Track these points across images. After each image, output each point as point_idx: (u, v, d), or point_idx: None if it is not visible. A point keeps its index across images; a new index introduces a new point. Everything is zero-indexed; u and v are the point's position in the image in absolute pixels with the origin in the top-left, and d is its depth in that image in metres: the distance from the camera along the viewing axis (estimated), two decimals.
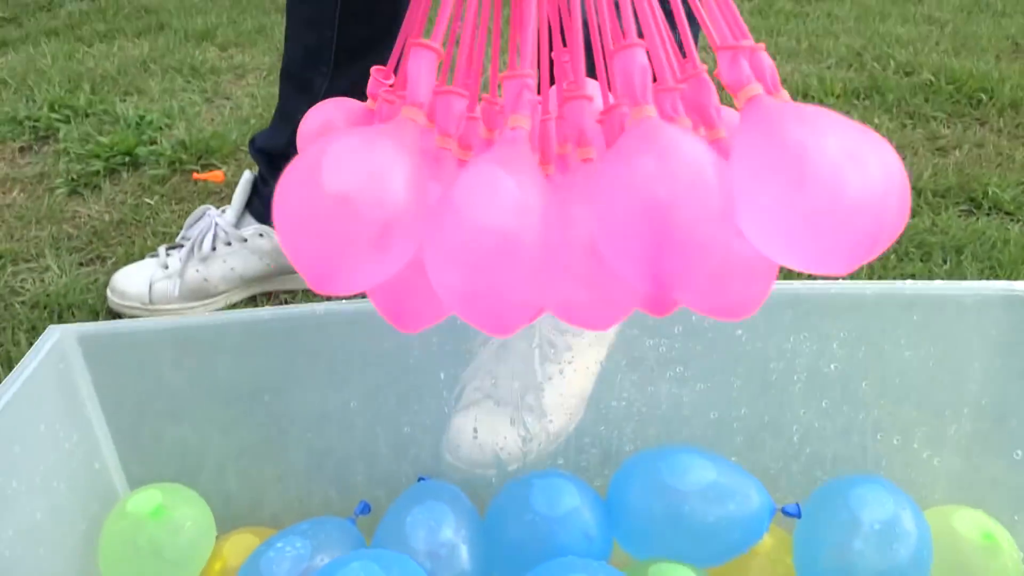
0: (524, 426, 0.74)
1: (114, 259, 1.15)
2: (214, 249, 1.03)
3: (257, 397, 0.58)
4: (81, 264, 1.15)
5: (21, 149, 1.49)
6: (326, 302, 0.56)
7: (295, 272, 1.03)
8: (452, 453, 0.71)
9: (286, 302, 1.06)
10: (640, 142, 0.31)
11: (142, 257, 1.12)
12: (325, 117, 0.41)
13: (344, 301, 0.56)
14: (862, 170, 0.30)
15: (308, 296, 1.07)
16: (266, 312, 0.57)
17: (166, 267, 1.02)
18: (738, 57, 0.33)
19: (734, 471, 0.53)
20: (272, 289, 1.07)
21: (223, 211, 1.06)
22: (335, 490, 0.60)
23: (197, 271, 1.01)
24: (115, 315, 1.02)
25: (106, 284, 1.07)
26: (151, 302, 1.00)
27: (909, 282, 0.52)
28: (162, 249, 1.05)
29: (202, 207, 1.08)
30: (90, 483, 0.55)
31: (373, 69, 0.39)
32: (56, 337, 0.51)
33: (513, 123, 0.34)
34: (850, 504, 0.52)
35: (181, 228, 1.20)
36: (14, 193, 1.34)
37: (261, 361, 0.57)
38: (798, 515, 0.53)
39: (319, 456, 0.59)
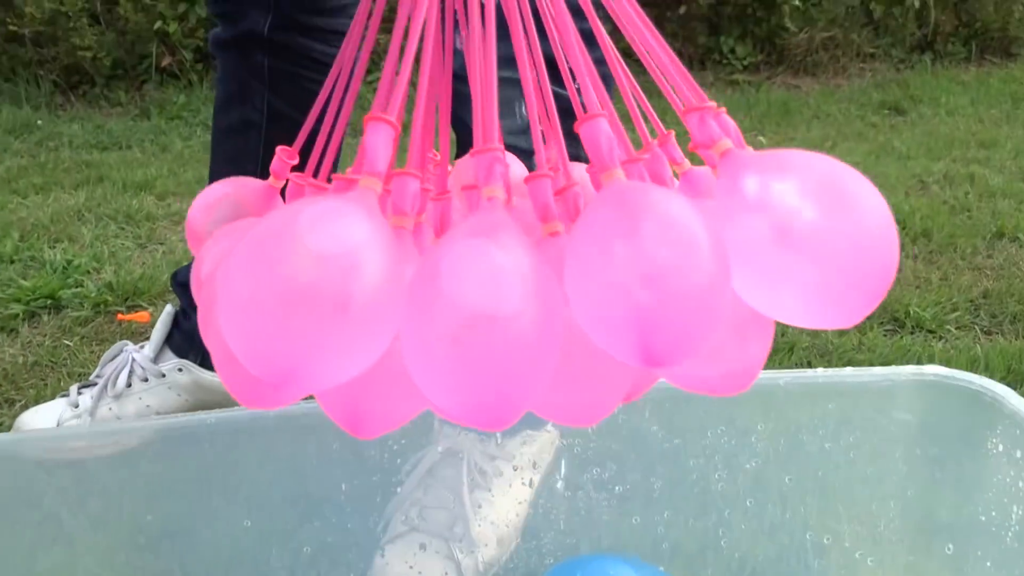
0: (453, 559, 0.70)
1: (23, 401, 1.10)
2: (129, 386, 0.98)
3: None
4: None
5: None
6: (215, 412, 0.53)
7: (215, 407, 0.99)
8: None
9: (205, 437, 1.01)
10: (619, 206, 0.29)
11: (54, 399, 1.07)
12: (221, 196, 0.40)
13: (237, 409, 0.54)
14: (855, 207, 0.30)
15: (227, 434, 1.02)
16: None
17: (76, 406, 0.97)
18: (706, 117, 0.33)
19: None
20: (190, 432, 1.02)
21: (141, 347, 1.02)
22: None
23: (110, 409, 0.96)
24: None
25: (10, 428, 1.01)
26: (56, 440, 0.94)
27: (820, 370, 0.51)
28: (73, 388, 1.01)
29: (119, 343, 1.04)
30: None
31: (278, 149, 0.39)
32: None
33: (488, 194, 0.32)
34: None
35: (92, 368, 1.16)
36: None
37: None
38: None
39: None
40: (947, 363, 1.13)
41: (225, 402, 1.00)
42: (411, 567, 0.65)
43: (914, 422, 0.50)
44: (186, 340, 1.01)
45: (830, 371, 0.51)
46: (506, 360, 0.28)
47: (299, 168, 0.39)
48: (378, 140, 0.32)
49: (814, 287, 0.29)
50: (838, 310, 0.30)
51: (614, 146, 0.32)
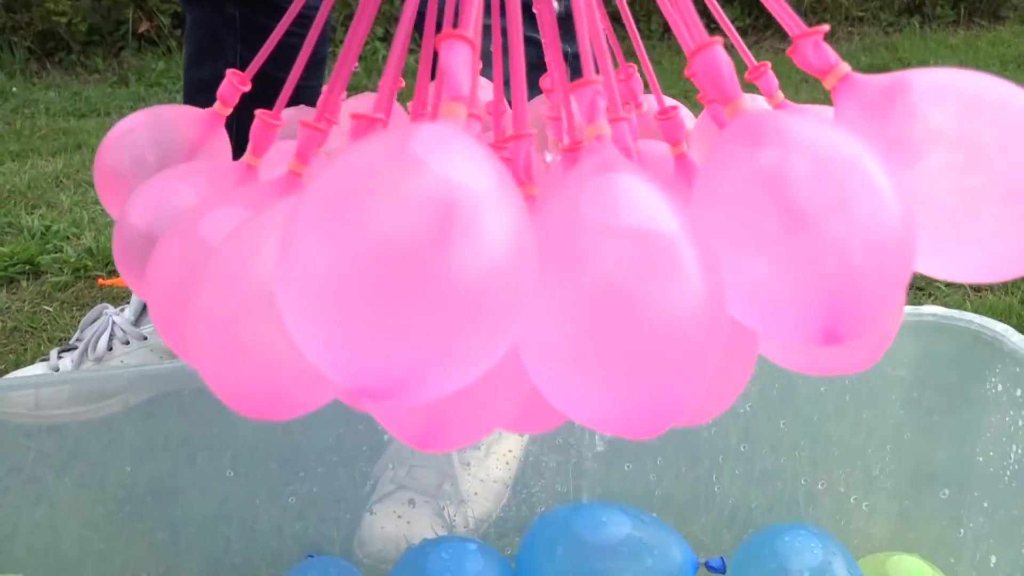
0: (442, 516, 0.69)
1: (3, 367, 1.08)
2: (110, 349, 0.96)
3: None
4: None
5: None
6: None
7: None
8: (364, 549, 0.65)
9: (187, 398, 1.00)
10: (782, 144, 0.23)
11: (31, 358, 1.05)
12: (137, 125, 0.36)
13: None
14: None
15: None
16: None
17: (56, 370, 0.95)
18: (820, 42, 0.30)
19: (652, 525, 0.49)
20: (172, 388, 1.00)
21: (122, 310, 1.00)
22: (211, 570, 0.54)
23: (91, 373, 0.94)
24: None
25: None
26: (37, 407, 0.92)
27: None
28: (53, 352, 0.98)
29: (99, 306, 1.02)
30: None
31: (229, 72, 0.36)
32: None
33: (595, 132, 0.26)
34: (778, 554, 0.48)
35: (72, 332, 1.14)
36: None
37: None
38: (723, 570, 0.49)
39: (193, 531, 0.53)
40: None
41: None
42: (399, 516, 0.65)
43: (912, 364, 0.49)
44: None
45: None
46: (670, 350, 0.22)
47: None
48: (459, 60, 0.24)
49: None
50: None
51: (734, 74, 0.27)
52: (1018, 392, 0.44)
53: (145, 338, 0.97)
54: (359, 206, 0.19)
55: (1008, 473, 0.45)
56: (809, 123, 0.24)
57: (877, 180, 0.22)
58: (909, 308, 0.49)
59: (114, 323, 0.98)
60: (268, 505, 0.55)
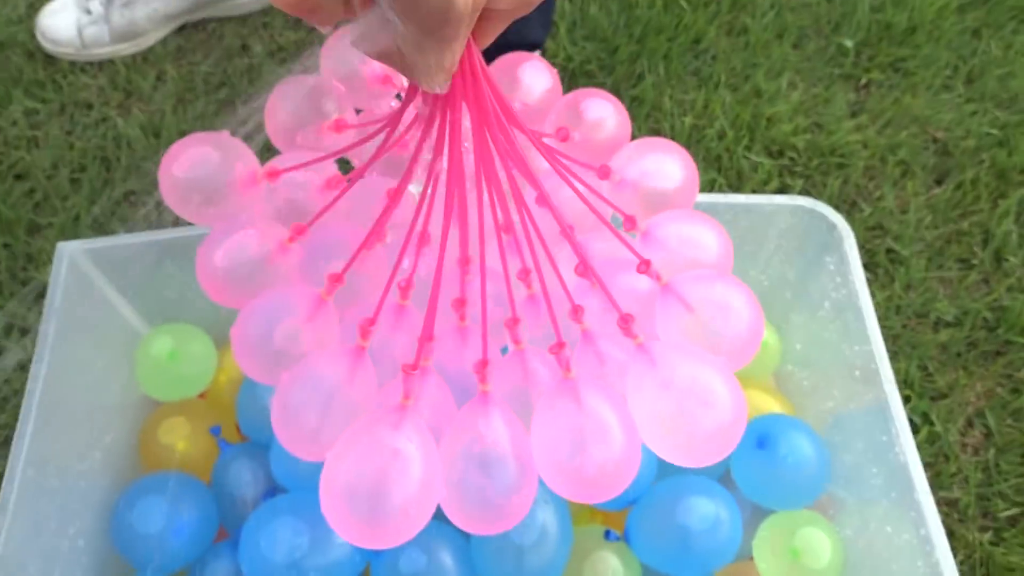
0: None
1: None
2: None
3: None
4: None
5: None
6: None
7: (219, 1, 1.05)
8: None
9: (215, 31, 1.09)
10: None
11: None
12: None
13: None
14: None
15: (236, 24, 1.10)
16: None
17: (88, 12, 1.03)
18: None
19: None
20: (197, 18, 1.09)
21: None
22: None
23: (121, 15, 1.03)
24: (50, 57, 1.06)
25: (27, 11, 1.09)
26: (83, 47, 1.03)
27: (722, 195, 0.63)
28: None
29: None
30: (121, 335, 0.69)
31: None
32: (67, 253, 0.59)
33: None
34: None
35: None
36: None
37: None
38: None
39: None
40: None
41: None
42: None
43: (787, 233, 0.63)
44: None
45: (729, 196, 0.62)
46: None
47: None
48: None
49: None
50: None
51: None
52: (840, 263, 0.60)
53: None
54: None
55: (821, 312, 0.65)
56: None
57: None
58: (788, 197, 0.62)
59: None
60: None
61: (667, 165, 0.49)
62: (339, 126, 0.48)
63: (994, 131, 1.00)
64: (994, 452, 0.81)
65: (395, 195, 0.44)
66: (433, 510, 0.40)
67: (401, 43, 0.31)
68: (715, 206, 0.60)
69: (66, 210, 0.93)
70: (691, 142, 0.98)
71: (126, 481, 0.64)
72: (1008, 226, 0.93)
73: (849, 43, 1.07)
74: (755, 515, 0.64)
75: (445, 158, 0.41)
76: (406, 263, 0.44)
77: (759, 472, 0.63)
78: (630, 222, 0.45)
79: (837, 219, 0.60)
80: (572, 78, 1.04)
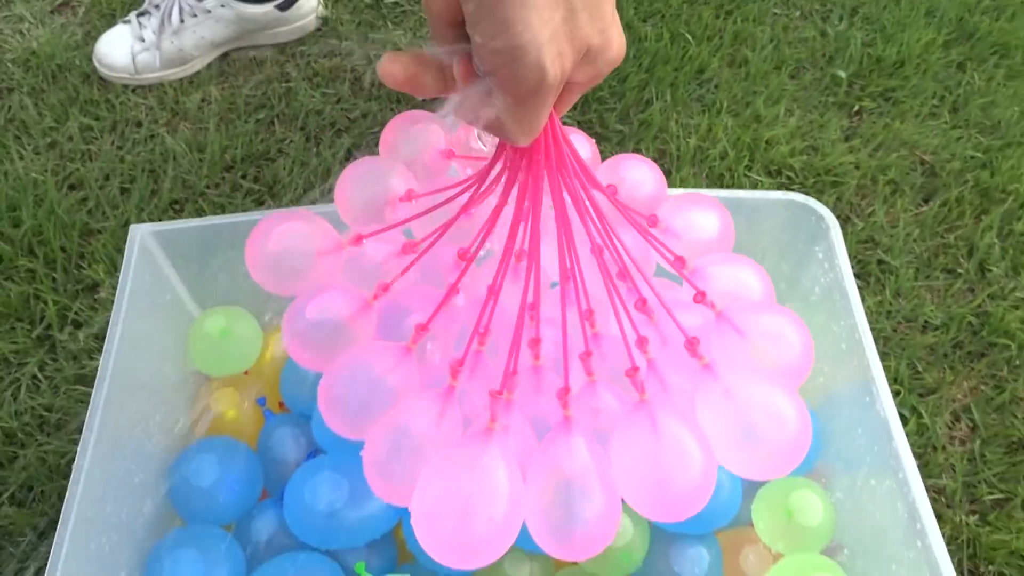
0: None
1: (83, 7, 1.23)
2: (182, 21, 1.12)
3: None
4: (52, 12, 1.23)
5: None
6: None
7: (260, 31, 1.15)
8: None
9: (255, 59, 1.19)
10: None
11: (112, 12, 1.20)
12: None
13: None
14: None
15: (275, 52, 1.19)
16: None
17: (142, 40, 1.12)
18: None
19: None
20: (240, 46, 1.18)
21: None
22: None
23: (172, 42, 1.12)
24: (104, 80, 1.15)
25: (84, 39, 1.18)
26: (136, 72, 1.12)
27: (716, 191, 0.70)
28: (133, 17, 1.14)
29: None
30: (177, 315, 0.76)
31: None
32: (139, 234, 0.67)
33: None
34: None
35: None
36: None
37: None
38: None
39: None
40: None
41: (266, 26, 1.15)
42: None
43: (772, 232, 0.70)
44: None
45: (724, 191, 0.69)
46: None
47: None
48: None
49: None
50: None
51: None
52: (824, 252, 0.67)
53: (209, 11, 1.12)
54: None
55: (813, 296, 0.71)
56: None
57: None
58: (782, 192, 0.69)
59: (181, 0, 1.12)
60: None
61: (706, 218, 0.57)
62: (409, 196, 0.54)
63: (978, 154, 1.07)
64: (979, 443, 0.86)
65: (470, 256, 0.50)
66: (519, 528, 0.45)
67: (499, 111, 0.38)
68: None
69: (116, 217, 1.00)
70: (695, 162, 1.06)
71: (181, 446, 0.70)
72: (991, 239, 0.99)
73: (843, 74, 1.15)
74: (753, 484, 0.70)
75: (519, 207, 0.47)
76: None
77: None
78: (680, 262, 0.51)
79: (824, 211, 0.67)
80: (585, 103, 1.12)
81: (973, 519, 0.81)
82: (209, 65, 1.17)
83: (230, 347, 0.72)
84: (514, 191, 0.47)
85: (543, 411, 0.50)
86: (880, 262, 0.99)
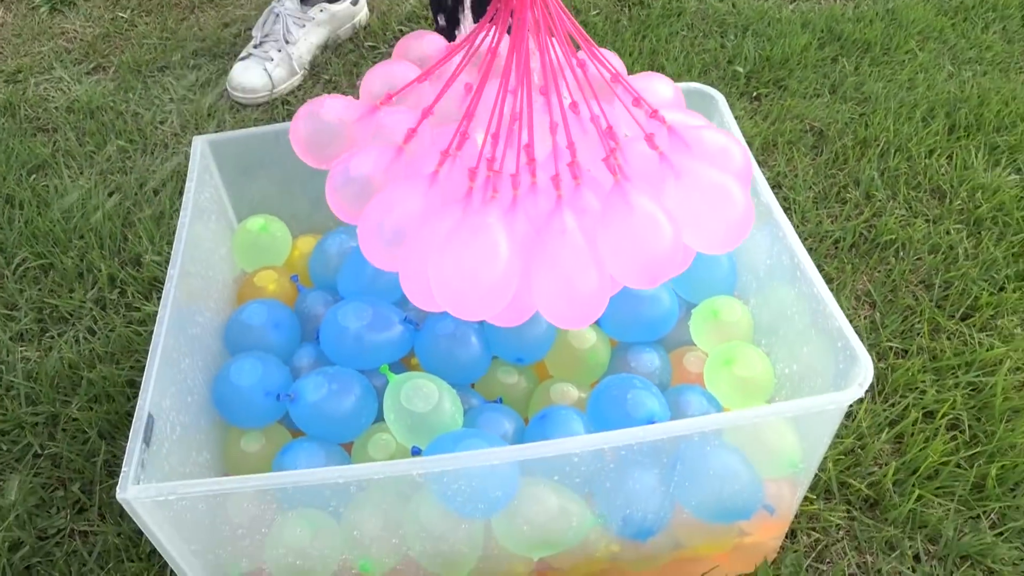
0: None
1: (113, 68, 1.47)
2: (296, 33, 1.39)
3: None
4: (87, 73, 1.47)
5: None
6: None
7: (340, 27, 1.46)
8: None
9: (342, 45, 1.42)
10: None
11: (139, 67, 1.45)
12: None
13: None
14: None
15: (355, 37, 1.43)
16: None
17: (271, 59, 1.37)
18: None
19: None
20: (332, 41, 1.47)
21: (282, 2, 1.40)
22: None
23: (291, 54, 1.38)
24: (236, 108, 1.37)
25: (115, 89, 1.41)
26: (274, 86, 1.37)
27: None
28: (251, 49, 1.39)
29: (267, 9, 1.41)
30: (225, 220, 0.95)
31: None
32: (200, 145, 0.88)
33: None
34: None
35: (159, 39, 1.51)
36: (0, 13, 1.60)
37: None
38: None
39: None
40: None
41: (343, 21, 1.49)
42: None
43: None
44: None
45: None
46: None
47: None
48: None
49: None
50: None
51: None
52: (719, 121, 0.90)
53: (313, 18, 1.40)
54: None
55: None
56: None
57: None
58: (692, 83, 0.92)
59: (288, 15, 1.39)
60: None
61: (663, 86, 0.78)
62: (426, 74, 0.75)
63: (855, 117, 1.33)
64: (879, 315, 1.06)
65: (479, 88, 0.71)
66: (513, 289, 0.63)
67: None
68: None
69: (152, 208, 1.20)
70: None
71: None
72: (872, 172, 1.23)
73: (741, 70, 1.42)
74: (689, 311, 0.89)
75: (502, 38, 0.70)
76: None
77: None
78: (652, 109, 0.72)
79: (714, 92, 0.89)
80: None
81: (880, 364, 0.99)
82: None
83: (267, 241, 0.91)
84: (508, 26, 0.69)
85: (540, 208, 0.68)
86: (786, 199, 1.21)
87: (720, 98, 0.89)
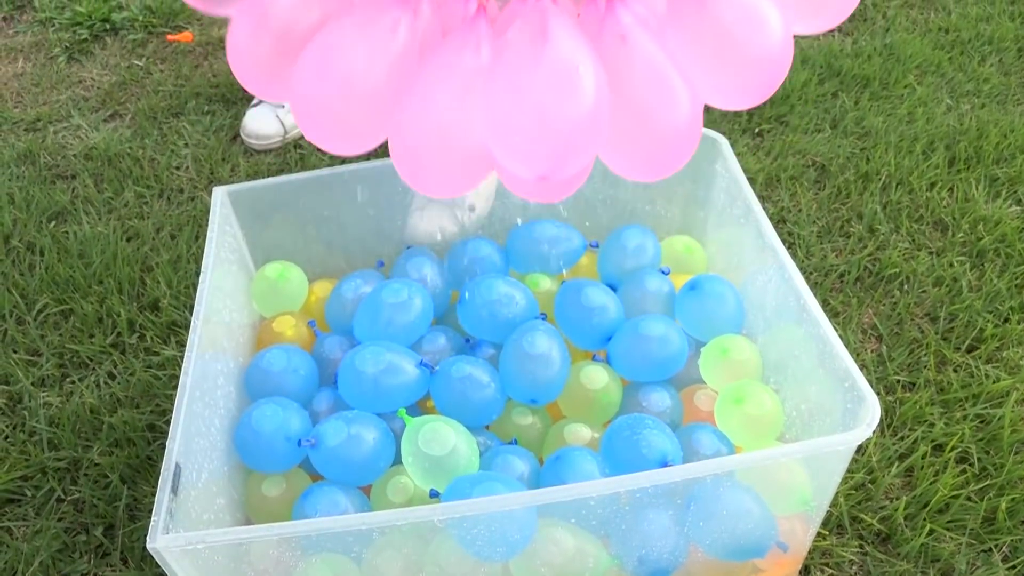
0: (456, 217, 1.18)
1: (130, 115, 1.51)
2: None
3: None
4: (104, 121, 1.51)
5: (3, 19, 1.76)
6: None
7: None
8: (410, 235, 1.17)
9: None
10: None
11: (154, 114, 1.48)
12: None
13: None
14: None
15: None
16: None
17: (283, 106, 1.39)
18: None
19: None
20: None
21: None
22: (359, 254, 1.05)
23: None
24: (249, 153, 1.40)
25: (132, 135, 1.45)
26: (286, 132, 1.39)
27: None
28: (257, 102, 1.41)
29: None
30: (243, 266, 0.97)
31: None
32: (220, 195, 0.91)
33: None
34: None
35: (174, 86, 1.55)
36: (20, 63, 1.64)
37: None
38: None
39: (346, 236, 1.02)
40: None
41: None
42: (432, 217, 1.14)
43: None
44: None
45: None
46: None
47: None
48: None
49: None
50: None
51: None
52: (724, 168, 0.92)
53: None
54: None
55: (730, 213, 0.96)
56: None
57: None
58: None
59: None
60: None
61: None
62: None
63: (856, 151, 1.35)
64: (885, 349, 1.07)
65: None
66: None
67: None
68: None
69: (169, 252, 1.23)
70: None
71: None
72: (874, 206, 1.25)
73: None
74: (698, 349, 0.90)
75: None
76: None
77: (693, 310, 0.90)
78: None
79: (716, 135, 0.92)
80: None
81: (889, 398, 1.01)
82: None
83: (285, 287, 0.93)
84: None
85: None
86: (790, 233, 1.23)
87: (723, 141, 0.92)
